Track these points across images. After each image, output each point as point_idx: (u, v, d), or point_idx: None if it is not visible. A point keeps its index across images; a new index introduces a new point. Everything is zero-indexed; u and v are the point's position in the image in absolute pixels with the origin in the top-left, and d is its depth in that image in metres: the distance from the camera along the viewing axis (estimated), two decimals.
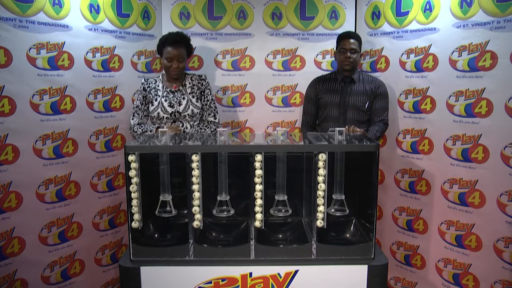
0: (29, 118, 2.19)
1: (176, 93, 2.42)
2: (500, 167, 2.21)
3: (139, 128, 2.39)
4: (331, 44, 2.83)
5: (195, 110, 2.43)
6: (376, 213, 1.69)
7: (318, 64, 2.88)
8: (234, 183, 1.76)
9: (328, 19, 2.84)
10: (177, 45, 2.35)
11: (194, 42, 2.81)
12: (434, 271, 2.60)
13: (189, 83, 2.46)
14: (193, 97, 2.43)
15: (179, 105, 2.40)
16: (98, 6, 2.42)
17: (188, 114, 2.41)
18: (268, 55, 2.86)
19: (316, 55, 2.87)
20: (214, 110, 2.52)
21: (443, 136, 2.45)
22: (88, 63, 2.42)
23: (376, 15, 2.73)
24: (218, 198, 1.76)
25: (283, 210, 1.76)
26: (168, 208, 1.74)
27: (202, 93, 2.48)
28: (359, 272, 1.68)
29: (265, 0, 2.82)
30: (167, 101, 2.40)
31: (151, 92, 2.42)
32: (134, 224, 1.67)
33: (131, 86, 2.65)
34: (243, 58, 2.86)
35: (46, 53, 2.21)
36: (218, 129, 1.75)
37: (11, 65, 2.09)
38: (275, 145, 1.69)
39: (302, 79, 2.84)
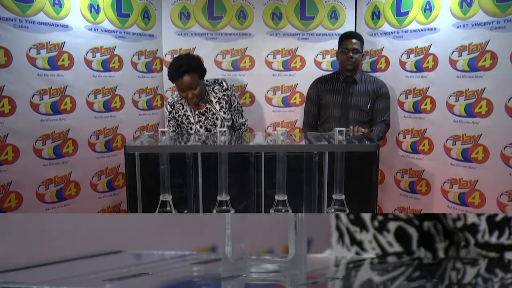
0: (29, 118, 2.18)
1: (206, 114, 2.28)
2: (500, 167, 2.21)
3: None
4: (331, 44, 2.82)
5: (227, 124, 2.33)
6: (376, 213, 1.69)
7: (318, 64, 2.88)
8: (234, 183, 1.76)
9: (328, 19, 2.84)
10: (183, 75, 2.11)
11: (194, 42, 2.82)
12: None
13: (214, 97, 2.27)
14: (224, 113, 2.30)
15: (215, 127, 2.29)
16: (98, 6, 2.41)
17: (220, 131, 2.36)
18: (268, 55, 2.86)
19: (316, 55, 2.87)
20: (241, 111, 2.42)
21: (443, 136, 2.45)
22: (88, 63, 2.41)
23: (376, 15, 2.73)
24: (218, 198, 1.75)
25: (283, 210, 1.76)
26: (168, 208, 1.74)
27: (230, 104, 2.35)
28: None
29: (265, 0, 2.81)
30: (203, 128, 2.29)
31: (183, 120, 2.29)
32: None
33: (131, 86, 2.66)
34: (243, 58, 2.85)
35: (46, 53, 2.21)
36: (217, 129, 1.75)
37: (11, 65, 2.08)
38: (275, 145, 1.69)
39: (302, 79, 2.84)
